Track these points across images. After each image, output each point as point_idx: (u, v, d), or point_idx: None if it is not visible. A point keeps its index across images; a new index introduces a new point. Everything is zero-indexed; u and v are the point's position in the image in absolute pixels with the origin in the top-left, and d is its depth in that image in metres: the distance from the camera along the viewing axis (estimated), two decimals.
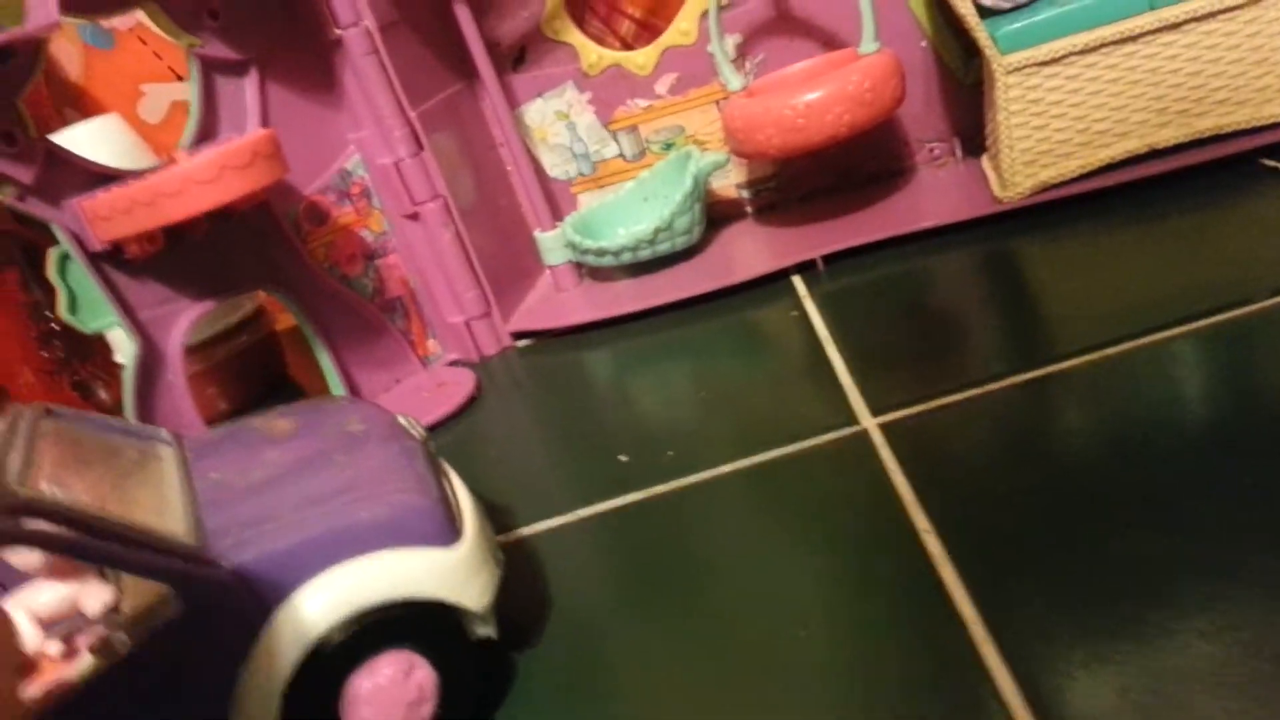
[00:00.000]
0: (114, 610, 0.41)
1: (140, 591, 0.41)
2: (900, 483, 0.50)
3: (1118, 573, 0.40)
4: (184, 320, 0.72)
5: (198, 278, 0.73)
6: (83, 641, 0.41)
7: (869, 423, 0.56)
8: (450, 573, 0.43)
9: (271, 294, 0.77)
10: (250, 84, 0.75)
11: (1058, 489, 0.46)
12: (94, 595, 0.41)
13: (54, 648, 0.41)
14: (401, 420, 0.52)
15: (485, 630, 0.45)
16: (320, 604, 0.41)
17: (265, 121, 0.76)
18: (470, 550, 0.44)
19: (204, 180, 0.64)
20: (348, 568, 0.41)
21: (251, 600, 0.40)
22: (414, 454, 0.48)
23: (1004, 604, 0.41)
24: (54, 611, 0.43)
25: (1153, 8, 0.67)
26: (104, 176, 0.69)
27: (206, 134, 0.74)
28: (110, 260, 0.69)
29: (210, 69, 0.74)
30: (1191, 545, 0.40)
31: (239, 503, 0.44)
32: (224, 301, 0.74)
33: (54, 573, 0.41)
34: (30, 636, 0.41)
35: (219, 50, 0.73)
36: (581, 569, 0.54)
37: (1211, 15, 0.66)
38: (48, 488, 0.39)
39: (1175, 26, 0.67)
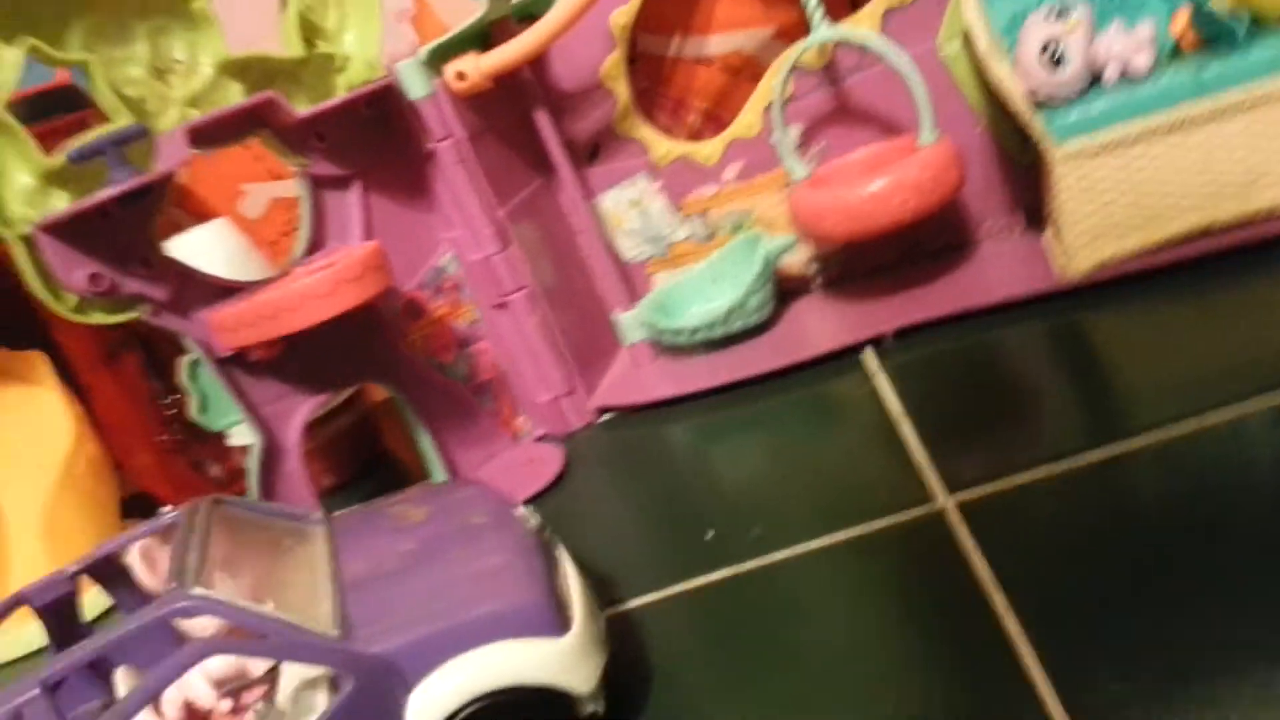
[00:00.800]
0: (274, 669, 0.47)
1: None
2: (978, 561, 0.54)
3: (1206, 656, 0.42)
4: (301, 413, 0.79)
5: (312, 374, 0.79)
6: (249, 698, 0.47)
7: (945, 500, 0.60)
8: (559, 660, 0.48)
9: (376, 384, 0.84)
10: (354, 196, 0.82)
11: (1144, 569, 0.48)
12: (257, 663, 0.47)
13: (225, 705, 0.47)
14: (518, 511, 0.57)
15: (593, 707, 0.50)
16: (445, 690, 0.46)
17: (368, 229, 0.83)
18: (578, 639, 0.49)
19: (321, 295, 0.71)
20: (469, 657, 0.47)
21: (389, 685, 0.46)
22: (527, 546, 0.53)
23: (1080, 683, 0.43)
24: (224, 673, 0.49)
25: (1201, 95, 0.70)
26: (226, 289, 0.77)
27: (316, 244, 0.82)
28: (234, 364, 0.76)
29: (318, 185, 0.81)
30: (1268, 630, 0.42)
31: (379, 591, 0.50)
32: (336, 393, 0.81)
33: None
34: (205, 695, 0.48)
35: (325, 169, 0.81)
36: (671, 645, 0.57)
37: (1262, 102, 0.69)
38: (220, 580, 0.46)
39: (1225, 112, 0.70)
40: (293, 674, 0.50)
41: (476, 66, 0.82)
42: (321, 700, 0.47)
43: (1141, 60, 0.72)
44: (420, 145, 0.84)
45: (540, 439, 0.90)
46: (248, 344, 0.74)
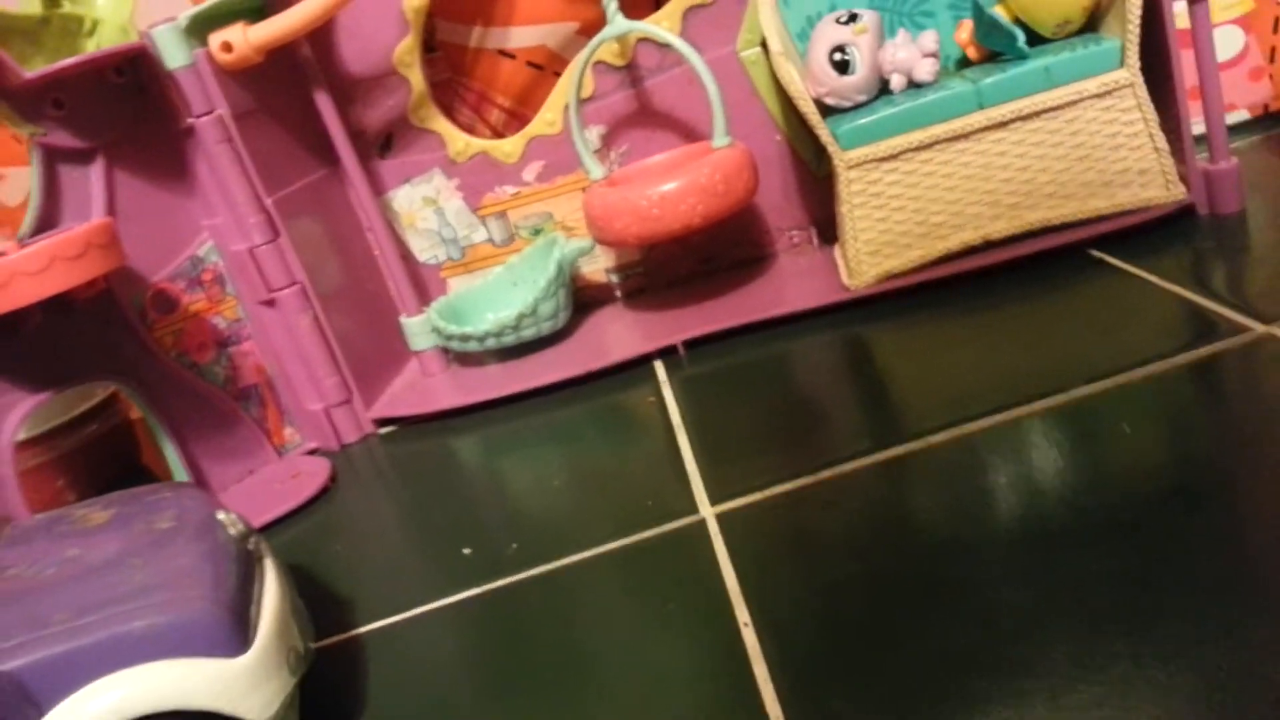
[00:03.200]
0: None
1: None
2: (729, 573, 0.50)
3: (924, 670, 0.40)
4: (16, 414, 0.69)
5: (33, 369, 0.70)
6: None
7: (707, 511, 0.56)
8: (229, 683, 0.43)
9: (113, 384, 0.75)
10: (96, 172, 0.74)
11: (879, 580, 0.46)
12: None
13: None
14: (221, 515, 0.51)
15: None
16: (86, 714, 0.41)
17: (111, 209, 0.74)
18: (256, 660, 0.44)
19: (32, 272, 0.62)
20: (119, 677, 0.41)
21: (16, 708, 0.40)
22: (220, 555, 0.47)
23: (807, 700, 0.40)
24: None
25: (981, 107, 0.70)
26: None
27: (48, 223, 0.72)
28: None
29: (54, 157, 0.72)
30: (1000, 640, 0.40)
31: (21, 602, 0.44)
32: (61, 393, 0.71)
33: None
34: None
35: (63, 139, 0.72)
36: (414, 666, 0.52)
37: (1036, 114, 0.70)
38: None
39: (1003, 125, 0.70)
40: None
41: (244, 37, 0.75)
42: None
43: (926, 69, 0.72)
44: (178, 120, 0.76)
45: (310, 452, 0.83)
46: None
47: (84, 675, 0.41)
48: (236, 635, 0.43)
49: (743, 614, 0.47)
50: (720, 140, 0.78)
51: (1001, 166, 0.71)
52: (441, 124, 0.88)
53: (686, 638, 0.47)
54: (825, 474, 0.56)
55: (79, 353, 0.72)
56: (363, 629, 0.57)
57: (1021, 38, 0.70)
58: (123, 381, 0.74)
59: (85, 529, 0.50)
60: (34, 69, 0.70)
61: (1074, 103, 0.69)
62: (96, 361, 0.73)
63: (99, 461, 0.89)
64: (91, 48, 0.77)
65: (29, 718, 0.40)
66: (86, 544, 0.48)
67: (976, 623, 0.41)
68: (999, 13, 0.71)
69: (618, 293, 0.92)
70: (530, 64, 0.91)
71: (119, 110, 0.74)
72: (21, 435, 0.78)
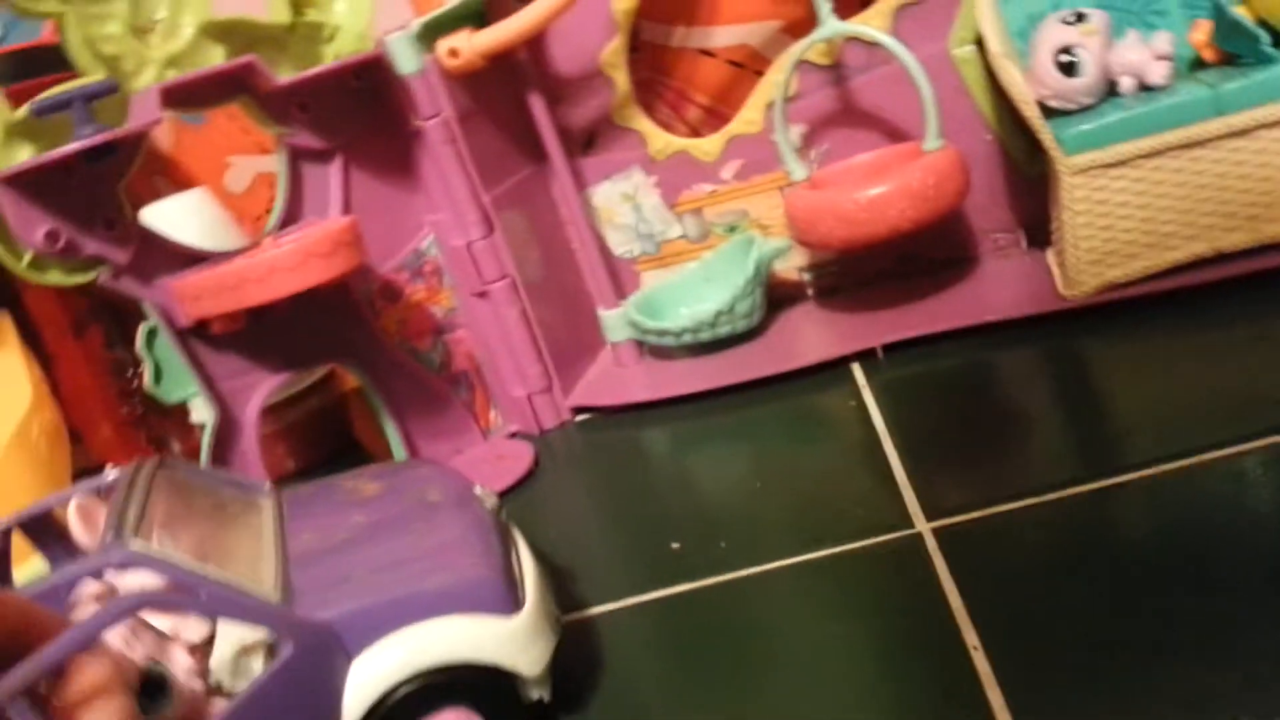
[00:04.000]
0: (209, 642, 0.45)
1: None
2: (952, 593, 0.50)
3: (1162, 705, 0.39)
4: (261, 391, 0.76)
5: (276, 352, 0.76)
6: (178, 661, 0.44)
7: (923, 526, 0.56)
8: (508, 640, 0.47)
9: (344, 367, 0.81)
10: (334, 171, 0.79)
11: (1113, 610, 0.45)
12: (193, 628, 0.45)
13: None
14: (477, 490, 0.56)
15: (539, 693, 0.48)
16: (388, 662, 0.45)
17: (347, 205, 0.80)
18: (528, 620, 0.48)
19: (288, 268, 0.68)
20: (414, 630, 0.46)
21: (330, 655, 0.45)
22: (484, 524, 0.52)
23: None
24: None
25: (1219, 113, 0.66)
26: (193, 257, 0.74)
27: (291, 217, 0.78)
28: (195, 335, 0.73)
29: (297, 156, 0.78)
30: (1240, 683, 0.39)
31: (325, 561, 0.49)
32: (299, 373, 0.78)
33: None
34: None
35: (306, 140, 0.78)
36: (627, 656, 0.54)
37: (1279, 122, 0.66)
38: (159, 538, 0.44)
39: (1243, 133, 0.66)
40: (229, 641, 0.47)
41: (470, 44, 0.78)
42: (258, 667, 0.45)
43: (1158, 72, 0.69)
44: (407, 123, 0.81)
45: (512, 435, 0.87)
46: (209, 315, 0.71)
47: (386, 627, 0.46)
48: (511, 596, 0.48)
49: (971, 637, 0.47)
50: (933, 142, 0.77)
51: (1239, 176, 0.67)
52: (643, 123, 0.90)
53: (909, 657, 0.47)
54: (1049, 496, 0.55)
55: (317, 338, 0.78)
56: (574, 615, 0.59)
57: (1266, 40, 0.66)
58: (352, 364, 0.80)
59: (361, 498, 0.56)
60: (281, 74, 0.77)
61: None
62: (331, 346, 0.79)
63: (317, 434, 0.96)
64: (331, 53, 0.82)
65: (341, 663, 0.45)
66: (366, 510, 0.54)
67: (1227, 664, 0.40)
68: (1242, 13, 0.67)
69: (810, 291, 0.92)
70: (731, 62, 0.92)
71: (356, 113, 0.79)
72: None
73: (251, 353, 0.75)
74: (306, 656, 0.44)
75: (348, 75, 0.78)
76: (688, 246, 0.93)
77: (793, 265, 0.91)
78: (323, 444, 0.97)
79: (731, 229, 0.91)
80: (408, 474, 0.60)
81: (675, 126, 0.96)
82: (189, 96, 0.72)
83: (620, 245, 0.94)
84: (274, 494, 0.56)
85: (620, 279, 0.95)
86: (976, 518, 0.55)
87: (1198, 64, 0.73)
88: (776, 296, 0.92)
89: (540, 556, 0.54)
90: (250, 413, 0.76)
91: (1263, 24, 0.68)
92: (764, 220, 0.90)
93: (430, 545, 0.50)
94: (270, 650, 0.45)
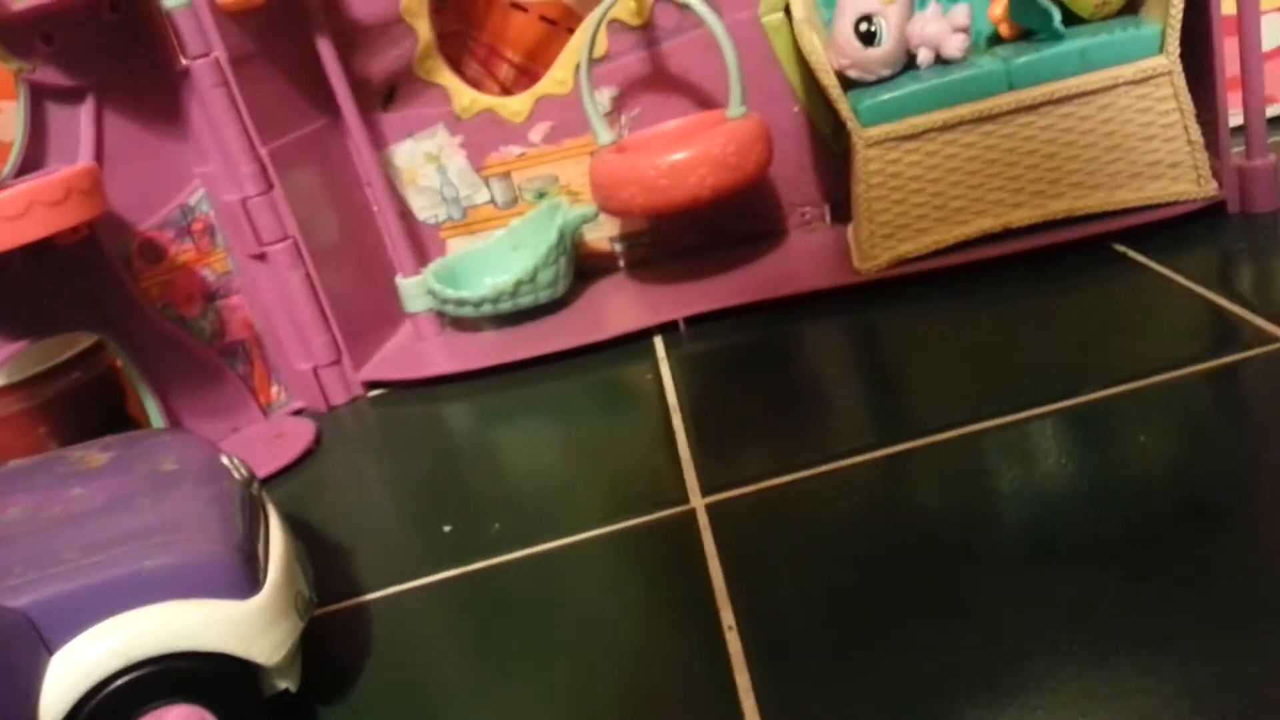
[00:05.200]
0: None
1: None
2: (715, 571, 0.48)
3: (921, 687, 0.38)
4: None
5: (10, 315, 0.67)
6: None
7: (698, 502, 0.54)
8: (240, 625, 0.42)
9: (95, 334, 0.72)
10: (85, 112, 0.71)
11: (872, 588, 0.44)
12: None
13: None
14: (224, 460, 0.50)
15: (285, 683, 0.44)
16: (94, 653, 0.40)
17: (99, 152, 0.71)
18: (266, 603, 0.43)
19: (9, 216, 0.59)
20: (128, 617, 0.41)
21: (23, 645, 0.39)
22: (226, 498, 0.46)
23: (787, 712, 0.38)
24: None
25: (1011, 88, 0.66)
26: None
27: (33, 164, 0.69)
28: None
29: (41, 95, 0.69)
30: (1006, 660, 0.38)
31: (30, 541, 0.43)
32: (39, 341, 0.69)
33: None
34: None
35: (51, 76, 0.69)
36: (391, 643, 0.51)
37: (1067, 99, 0.66)
38: None
39: (1032, 108, 0.67)
40: None
41: None
42: None
43: (955, 44, 0.68)
44: (173, 62, 0.73)
45: (297, 413, 0.81)
46: None
47: (94, 614, 0.40)
48: (247, 577, 0.43)
49: (728, 616, 0.45)
50: (735, 110, 0.75)
51: (1028, 152, 0.67)
52: (448, 77, 0.85)
53: (669, 637, 0.45)
54: (824, 468, 0.53)
55: (60, 301, 0.69)
56: (340, 604, 0.55)
57: (1058, 17, 0.66)
58: (104, 332, 0.72)
59: (86, 470, 0.49)
60: (23, 2, 0.67)
61: (1108, 88, 0.66)
62: (77, 310, 0.70)
63: (82, 410, 0.86)
64: None
65: (38, 656, 0.39)
66: (90, 485, 0.48)
67: (980, 639, 0.39)
68: None
69: (621, 262, 0.89)
70: (544, 19, 0.88)
71: (111, 49, 0.71)
72: (2, 381, 0.76)
73: None
74: None
75: (101, 4, 0.70)
76: (495, 213, 0.88)
77: (604, 235, 0.88)
78: (89, 422, 0.87)
79: (540, 195, 0.87)
80: (147, 443, 0.54)
81: (486, 84, 0.91)
82: None
83: (424, 210, 0.89)
84: None
85: (424, 245, 0.89)
86: (750, 492, 0.53)
87: (995, 39, 0.73)
88: (588, 267, 0.89)
89: (302, 537, 0.50)
90: None
91: (1056, 1, 0.68)
92: (574, 186, 0.86)
93: (156, 521, 0.44)
94: None
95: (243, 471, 0.50)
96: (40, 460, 0.53)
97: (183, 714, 0.41)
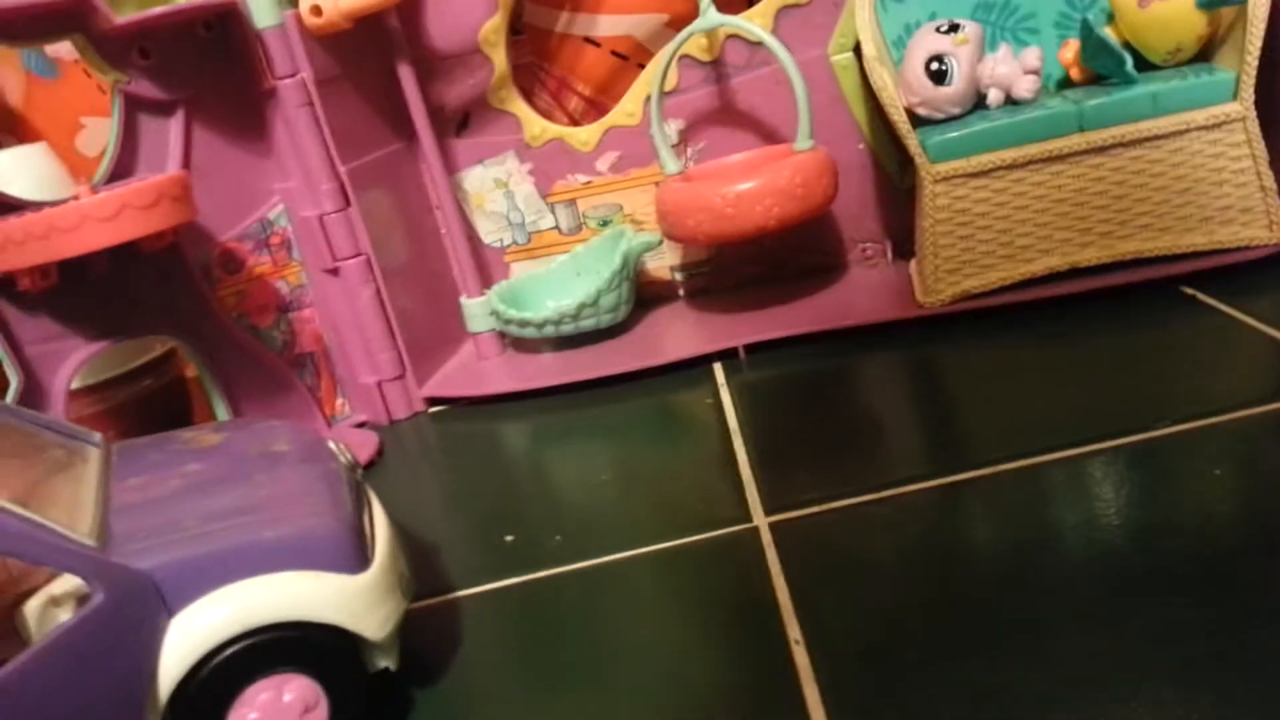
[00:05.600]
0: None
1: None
2: (781, 587, 0.48)
3: (979, 708, 0.38)
4: (73, 360, 0.69)
5: (93, 317, 0.70)
6: None
7: (761, 521, 0.54)
8: (352, 599, 0.43)
9: (172, 339, 0.74)
10: (175, 125, 0.74)
11: (939, 610, 0.44)
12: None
13: None
14: (330, 445, 0.52)
15: (386, 661, 0.45)
16: (212, 618, 0.41)
17: (187, 164, 0.74)
18: (376, 579, 0.44)
19: (102, 218, 0.62)
20: (246, 585, 0.42)
21: (149, 606, 0.40)
22: (334, 478, 0.48)
23: None
24: None
25: (1081, 130, 0.67)
26: (10, 206, 0.67)
27: (123, 171, 0.72)
28: (1, 291, 0.66)
29: (135, 107, 0.72)
30: (1073, 687, 0.38)
31: (151, 510, 0.45)
32: (119, 343, 0.71)
33: None
34: None
35: (146, 89, 0.72)
36: (445, 652, 0.51)
37: (1138, 142, 0.67)
38: None
39: (1102, 149, 0.67)
40: (44, 591, 0.43)
41: (335, 3, 0.74)
42: (65, 616, 0.41)
43: (1026, 86, 0.69)
44: (261, 80, 0.76)
45: (360, 425, 0.82)
46: (14, 268, 0.64)
47: (214, 580, 0.41)
48: (358, 553, 0.44)
49: (794, 631, 0.45)
50: (803, 143, 0.76)
51: (1097, 193, 0.67)
52: (520, 107, 0.87)
53: (733, 649, 0.45)
54: (886, 494, 0.53)
55: (141, 305, 0.72)
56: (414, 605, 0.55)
57: (1130, 61, 0.67)
58: (181, 337, 0.74)
59: (201, 448, 0.51)
60: (124, 15, 0.71)
61: (1180, 133, 0.66)
62: (157, 315, 0.73)
63: (151, 416, 0.89)
64: (184, 1, 0.77)
65: (160, 618, 0.40)
66: (206, 460, 0.49)
67: (1046, 666, 0.39)
68: (1109, 34, 0.68)
69: (681, 291, 0.90)
70: (615, 53, 0.90)
71: (204, 65, 0.74)
72: (77, 383, 0.79)
73: (64, 316, 0.69)
74: (118, 607, 0.39)
75: (196, 22, 0.73)
76: (559, 238, 0.90)
77: (665, 264, 0.89)
78: (157, 427, 0.90)
79: (604, 223, 0.88)
80: (256, 426, 0.56)
81: (555, 115, 0.93)
82: (15, 28, 0.66)
83: (490, 233, 0.91)
84: (105, 444, 0.51)
85: (488, 268, 0.91)
86: (813, 513, 0.53)
87: (1065, 82, 0.73)
88: (648, 295, 0.90)
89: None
90: (59, 382, 0.69)
91: (1128, 46, 0.69)
92: (638, 215, 0.88)
93: (271, 495, 0.45)
94: (82, 601, 0.40)
95: (348, 456, 0.51)
96: (155, 439, 0.55)
97: (302, 686, 0.42)
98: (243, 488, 0.46)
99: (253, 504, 0.44)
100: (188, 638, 0.41)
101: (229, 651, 0.41)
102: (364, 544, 0.45)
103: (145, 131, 0.73)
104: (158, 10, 0.70)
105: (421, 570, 0.59)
